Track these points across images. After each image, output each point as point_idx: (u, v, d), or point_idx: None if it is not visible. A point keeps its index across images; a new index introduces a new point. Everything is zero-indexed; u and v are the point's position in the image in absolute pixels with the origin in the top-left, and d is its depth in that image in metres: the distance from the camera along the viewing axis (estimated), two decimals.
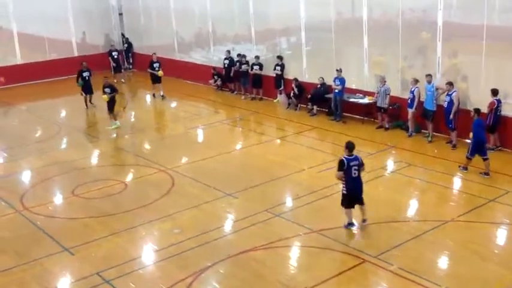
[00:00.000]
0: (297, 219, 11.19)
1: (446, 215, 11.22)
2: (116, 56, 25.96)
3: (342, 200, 10.60)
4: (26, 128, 19.49)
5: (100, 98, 18.98)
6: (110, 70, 25.87)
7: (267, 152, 15.78)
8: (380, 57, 17.85)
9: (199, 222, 11.36)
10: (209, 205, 12.14)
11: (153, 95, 22.88)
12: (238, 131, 18.72)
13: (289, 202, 12.37)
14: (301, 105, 19.64)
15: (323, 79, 18.72)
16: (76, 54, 27.54)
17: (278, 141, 17.04)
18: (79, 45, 28.18)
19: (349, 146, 10.40)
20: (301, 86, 19.53)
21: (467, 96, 15.32)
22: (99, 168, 15.59)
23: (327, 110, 18.79)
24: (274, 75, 20.64)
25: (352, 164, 10.28)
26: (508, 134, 14.52)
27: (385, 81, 16.69)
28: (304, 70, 20.11)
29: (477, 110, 13.09)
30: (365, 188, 12.62)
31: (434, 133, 15.70)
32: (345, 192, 10.47)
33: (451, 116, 14.83)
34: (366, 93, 17.88)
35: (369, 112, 17.67)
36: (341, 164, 10.30)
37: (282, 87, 20.57)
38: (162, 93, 22.64)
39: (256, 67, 21.19)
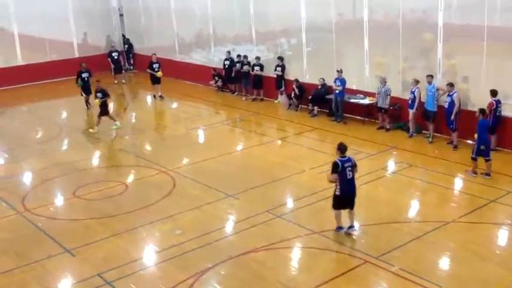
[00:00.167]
0: (298, 220, 11.19)
1: (447, 216, 11.21)
2: (116, 57, 25.98)
3: (333, 203, 10.38)
4: (27, 129, 19.50)
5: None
6: (110, 71, 25.95)
7: (267, 153, 15.78)
8: (381, 58, 17.84)
9: (200, 223, 11.37)
10: (210, 206, 12.14)
11: (154, 96, 22.89)
12: (239, 131, 18.72)
13: (290, 203, 12.37)
14: (302, 106, 19.65)
15: (324, 80, 18.72)
16: (77, 55, 27.55)
17: (279, 142, 17.05)
18: (80, 46, 28.20)
19: (342, 148, 10.23)
20: (302, 87, 19.53)
21: (468, 97, 15.32)
22: (100, 170, 15.60)
23: (327, 111, 18.80)
24: (275, 76, 20.65)
25: (346, 165, 10.13)
26: (508, 134, 14.51)
27: (385, 82, 16.69)
28: (304, 71, 20.11)
29: (482, 111, 13.03)
30: (366, 188, 12.74)
31: (435, 134, 15.70)
32: (338, 193, 10.25)
33: (452, 117, 14.82)
34: (366, 94, 17.89)
35: (369, 113, 17.67)
36: (335, 166, 10.11)
37: (283, 88, 20.57)
38: (160, 94, 22.66)
39: (256, 68, 21.21)
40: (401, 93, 16.92)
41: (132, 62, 29.20)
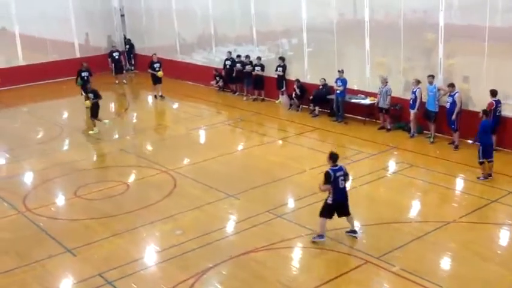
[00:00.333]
0: (299, 220, 11.19)
1: (448, 216, 11.21)
2: (117, 57, 26.00)
3: (323, 211, 10.22)
4: (28, 129, 19.52)
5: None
6: (111, 71, 25.97)
7: (268, 153, 15.78)
8: (382, 58, 17.83)
9: (201, 223, 11.37)
10: (211, 206, 12.15)
11: (155, 96, 22.89)
12: (239, 132, 18.72)
13: (290, 203, 12.37)
14: (303, 106, 19.64)
15: (325, 80, 18.72)
16: (78, 55, 27.56)
17: (280, 142, 17.04)
18: (81, 46, 28.22)
19: (333, 157, 10.09)
20: (303, 87, 19.53)
21: (469, 97, 15.31)
22: (101, 170, 15.61)
23: (328, 111, 18.79)
24: (276, 76, 20.65)
25: (338, 174, 9.97)
26: (508, 134, 14.49)
27: (386, 82, 16.69)
28: (306, 71, 20.11)
29: (485, 112, 13.00)
30: (367, 188, 12.77)
31: (437, 134, 15.69)
32: (330, 202, 10.11)
33: (454, 117, 14.81)
34: (367, 94, 17.88)
35: (370, 113, 17.66)
36: (328, 176, 9.96)
37: (284, 88, 20.57)
38: (160, 94, 22.68)
39: (257, 68, 21.21)
40: (402, 93, 16.91)
41: (133, 62, 29.21)
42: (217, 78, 23.40)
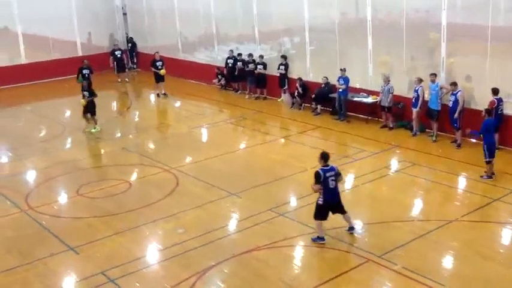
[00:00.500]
0: (301, 219, 11.18)
1: (450, 215, 11.20)
2: (119, 55, 26.02)
3: (315, 213, 10.15)
4: (30, 128, 19.56)
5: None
6: (113, 69, 25.99)
7: (270, 151, 15.78)
8: (385, 56, 17.80)
9: (203, 221, 11.38)
10: (213, 205, 12.16)
11: (157, 95, 22.91)
12: (241, 130, 18.72)
13: (293, 202, 12.37)
14: (305, 104, 19.63)
15: (327, 78, 18.70)
16: (80, 54, 27.58)
17: (282, 140, 17.04)
18: (83, 45, 28.25)
19: (324, 157, 10.01)
20: (305, 86, 19.52)
21: (472, 96, 15.29)
22: (103, 168, 15.63)
23: (331, 110, 18.79)
24: (278, 74, 20.65)
25: (328, 174, 9.89)
26: (510, 133, 14.47)
27: (389, 81, 16.67)
28: (308, 69, 20.11)
29: (488, 111, 12.97)
30: (369, 187, 12.78)
31: (439, 132, 15.67)
32: (321, 202, 10.03)
33: (456, 115, 14.79)
34: (370, 93, 17.86)
35: (373, 111, 17.65)
36: (317, 176, 9.90)
37: (286, 87, 20.56)
38: (164, 92, 22.70)
39: (260, 66, 21.21)
40: (406, 92, 16.84)
41: (135, 61, 29.23)
42: (219, 76, 23.40)
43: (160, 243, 10.66)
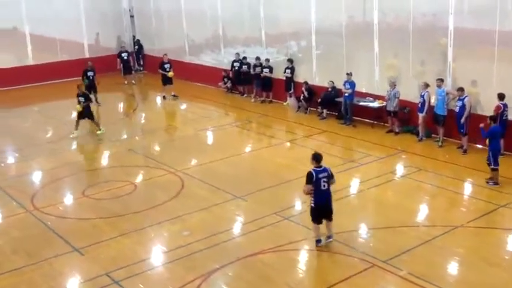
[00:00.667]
0: (306, 223, 11.11)
1: (456, 221, 11.17)
2: (125, 57, 26.10)
3: (311, 215, 10.11)
4: (37, 129, 19.66)
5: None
6: (120, 71, 26.09)
7: (276, 155, 15.78)
8: (393, 59, 17.77)
9: (208, 224, 11.39)
10: (218, 207, 12.17)
11: (163, 97, 22.96)
12: (247, 133, 18.74)
13: (298, 205, 12.35)
14: (311, 108, 19.64)
15: (333, 82, 18.70)
16: (87, 55, 27.67)
17: (287, 144, 17.03)
18: (90, 46, 28.36)
19: (316, 157, 9.91)
20: (311, 89, 19.53)
21: (478, 101, 15.24)
22: (109, 170, 15.67)
23: (336, 114, 18.77)
24: (284, 78, 20.67)
25: (320, 176, 9.77)
26: None
27: (395, 85, 16.65)
28: (314, 73, 20.11)
29: (492, 118, 12.94)
30: (375, 192, 12.74)
31: (445, 138, 15.63)
32: (312, 205, 9.97)
33: (463, 121, 14.74)
34: (376, 97, 17.84)
35: (378, 116, 17.63)
36: (309, 176, 9.79)
37: (292, 90, 20.57)
38: (173, 93, 22.76)
39: (266, 70, 21.22)
40: (413, 97, 16.78)
41: (141, 63, 29.34)
42: (226, 79, 23.44)
43: (165, 245, 10.67)
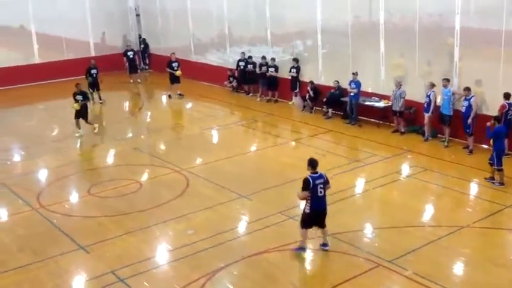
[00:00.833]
0: None
1: (462, 221, 11.14)
2: (131, 56, 26.16)
3: (302, 220, 9.89)
4: (43, 127, 19.72)
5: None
6: (126, 70, 26.15)
7: (281, 154, 15.78)
8: (398, 60, 17.72)
9: (213, 223, 11.40)
10: (223, 206, 12.18)
11: (169, 96, 23.01)
12: (253, 132, 18.74)
13: (303, 205, 12.30)
14: (317, 108, 19.62)
15: (338, 82, 18.68)
16: (93, 54, 27.75)
17: (293, 143, 17.03)
18: (96, 45, 28.44)
19: (312, 163, 9.76)
20: (317, 89, 19.51)
21: (484, 101, 15.18)
22: (115, 168, 15.70)
23: (342, 113, 18.76)
24: (290, 77, 20.66)
25: (317, 182, 9.61)
26: None
27: (400, 85, 16.62)
28: (320, 73, 20.09)
29: (497, 118, 12.89)
30: (380, 191, 12.72)
31: (451, 138, 15.59)
32: (307, 211, 9.75)
33: (469, 121, 14.69)
34: (381, 97, 17.81)
35: (384, 116, 17.59)
36: (306, 183, 9.60)
37: (298, 90, 20.56)
38: (179, 92, 22.79)
39: (271, 69, 21.23)
40: (420, 97, 16.72)
41: (147, 62, 29.40)
42: (231, 78, 23.45)
43: (170, 244, 10.69)
